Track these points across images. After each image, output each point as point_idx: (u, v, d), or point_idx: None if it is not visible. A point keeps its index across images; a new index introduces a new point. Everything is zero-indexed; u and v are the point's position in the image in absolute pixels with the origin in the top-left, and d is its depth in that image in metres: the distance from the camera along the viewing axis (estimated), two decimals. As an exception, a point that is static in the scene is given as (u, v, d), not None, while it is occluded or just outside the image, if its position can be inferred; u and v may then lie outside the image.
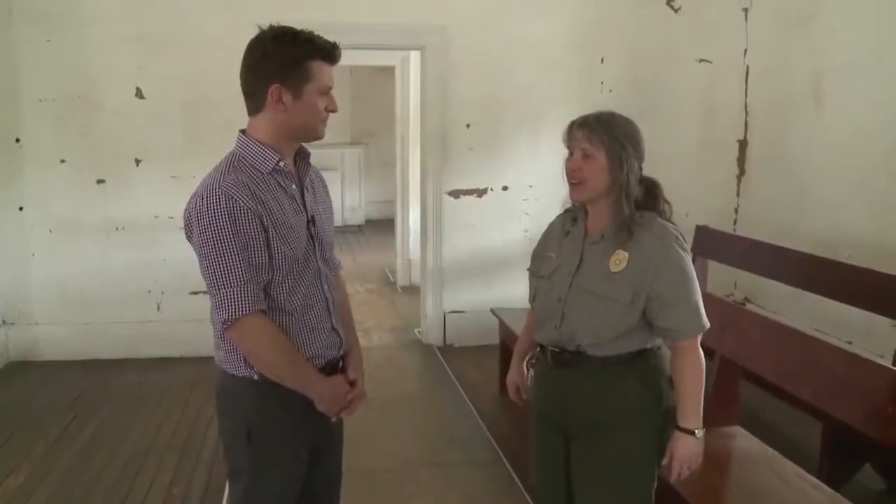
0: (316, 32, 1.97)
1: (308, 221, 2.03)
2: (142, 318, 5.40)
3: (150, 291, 5.39)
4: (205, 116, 5.23)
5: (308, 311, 2.02)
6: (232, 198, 1.85)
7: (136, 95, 5.21)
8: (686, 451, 2.07)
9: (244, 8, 5.09)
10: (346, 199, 11.86)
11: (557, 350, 2.17)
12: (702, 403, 2.08)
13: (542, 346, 2.28)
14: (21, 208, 5.24)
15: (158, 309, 5.41)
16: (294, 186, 2.01)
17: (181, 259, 5.23)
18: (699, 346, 2.09)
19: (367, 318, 6.57)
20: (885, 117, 4.29)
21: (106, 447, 3.97)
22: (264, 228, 1.89)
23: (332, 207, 2.23)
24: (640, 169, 2.12)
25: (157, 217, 5.30)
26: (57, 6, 5.10)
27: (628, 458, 2.13)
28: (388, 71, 8.50)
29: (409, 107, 7.47)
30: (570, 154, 2.14)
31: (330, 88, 1.98)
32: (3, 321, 5.31)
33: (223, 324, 1.88)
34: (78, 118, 5.20)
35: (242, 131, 2.02)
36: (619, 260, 2.05)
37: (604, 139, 2.06)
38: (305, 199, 2.05)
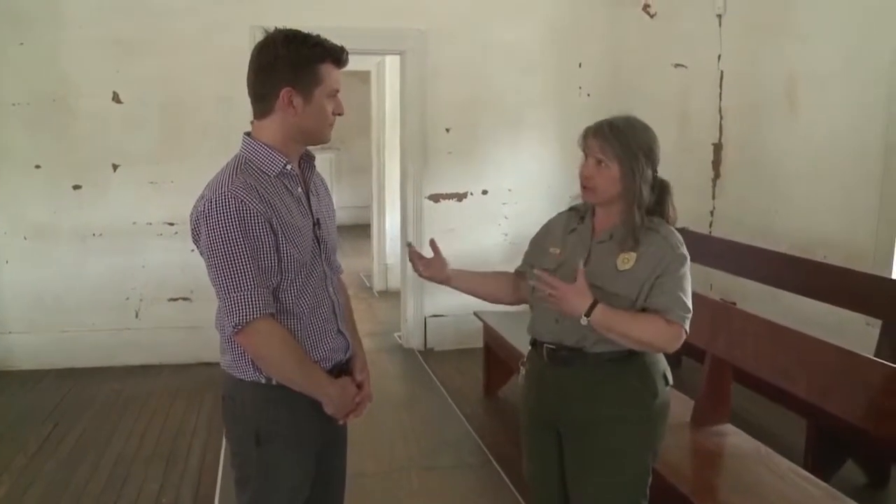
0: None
1: (314, 224, 2.03)
2: (120, 325, 5.32)
3: (128, 298, 5.31)
4: (182, 121, 5.18)
5: (315, 315, 2.02)
6: (241, 201, 1.84)
7: (113, 100, 5.14)
8: (573, 292, 2.04)
9: (220, 12, 5.07)
10: (318, 205, 11.74)
11: (554, 347, 2.20)
12: (614, 329, 2.05)
13: (534, 344, 2.30)
14: (-6, 214, 5.14)
15: (137, 316, 5.33)
16: (300, 189, 2.01)
17: (160, 265, 5.23)
18: (677, 335, 2.08)
19: (346, 323, 6.53)
20: (855, 121, 4.39)
21: (89, 457, 3.91)
22: (273, 231, 1.88)
23: (334, 211, 2.23)
24: (655, 172, 2.16)
25: (134, 223, 5.23)
26: (31, 8, 5.01)
27: (623, 453, 2.16)
28: (360, 76, 8.48)
29: (384, 111, 7.47)
30: (586, 158, 2.18)
31: (337, 91, 1.99)
32: (-24, 330, 5.19)
33: (233, 328, 1.87)
34: (53, 122, 5.12)
35: (248, 134, 2.01)
36: (627, 259, 2.10)
37: (617, 151, 2.11)
38: (311, 202, 2.04)
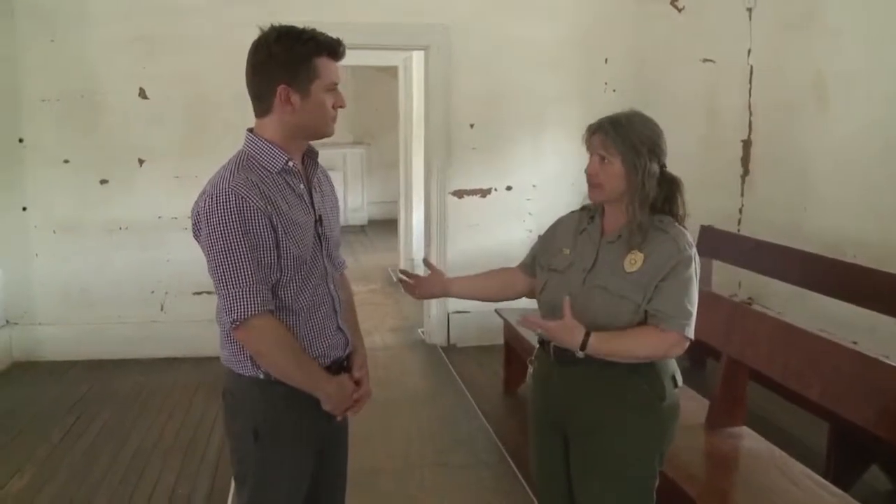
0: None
1: (316, 221, 2.02)
2: (146, 318, 5.40)
3: (153, 292, 5.39)
4: (206, 116, 5.24)
5: (315, 311, 2.02)
6: (242, 197, 1.84)
7: (140, 95, 5.21)
8: (563, 330, 2.02)
9: (245, 9, 5.09)
10: (349, 200, 11.85)
11: (562, 346, 2.16)
12: (613, 353, 2.04)
13: (542, 343, 2.28)
14: (24, 208, 5.24)
15: (162, 309, 5.41)
16: (302, 186, 2.01)
17: (185, 259, 5.27)
18: (675, 342, 2.05)
19: (370, 318, 6.56)
20: (886, 117, 4.29)
21: (109, 448, 3.97)
22: (273, 228, 1.88)
23: (338, 207, 2.22)
24: (662, 166, 2.12)
25: (160, 217, 5.30)
26: (60, 6, 5.10)
27: (629, 456, 2.13)
28: (390, 71, 8.50)
29: (412, 107, 7.46)
30: (590, 156, 2.15)
31: (336, 84, 1.98)
32: (7, 321, 5.30)
33: (232, 324, 1.88)
34: (81, 118, 5.20)
35: (250, 130, 2.01)
36: (635, 260, 2.06)
37: (619, 146, 2.08)
38: (313, 198, 2.04)
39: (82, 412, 4.44)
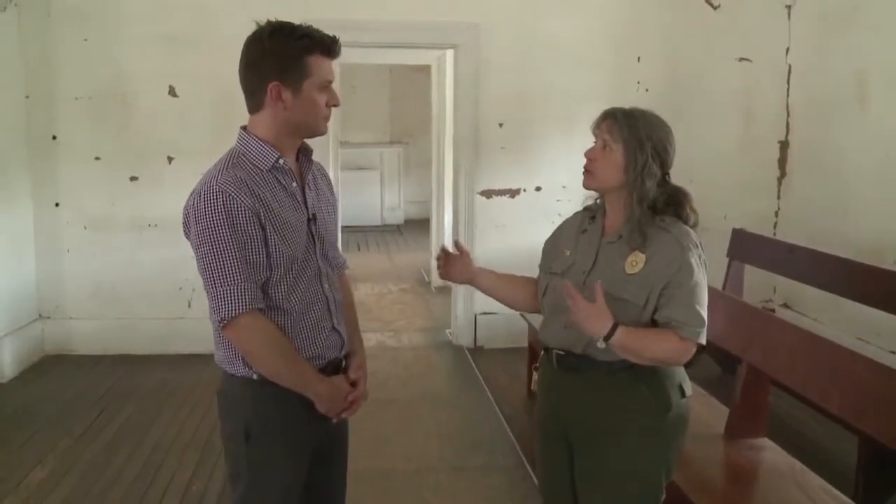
0: (316, 27, 1.95)
1: (309, 220, 1.99)
2: (173, 314, 5.44)
3: (181, 288, 5.42)
4: (234, 114, 5.14)
5: (307, 311, 1.99)
6: (229, 195, 1.82)
7: (170, 94, 5.26)
8: (591, 312, 1.92)
9: (276, 6, 5.08)
10: (386, 199, 11.86)
11: (563, 353, 2.12)
12: (632, 351, 1.94)
13: (546, 349, 2.23)
14: (57, 205, 5.32)
15: (189, 306, 5.44)
16: (294, 184, 1.98)
17: (211, 257, 5.29)
18: (688, 350, 1.96)
19: (399, 317, 6.55)
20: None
21: (129, 443, 4.00)
22: (262, 226, 1.86)
23: (335, 205, 2.19)
24: (664, 174, 2.04)
25: (188, 214, 5.32)
26: (94, 6, 5.17)
27: (632, 467, 2.05)
28: (426, 70, 8.46)
29: (444, 106, 7.40)
30: (595, 142, 2.09)
31: (330, 83, 1.95)
32: (40, 315, 5.39)
33: (220, 322, 1.87)
34: (113, 116, 5.27)
35: (244, 128, 1.99)
36: (636, 262, 1.99)
37: (623, 134, 2.02)
38: (307, 196, 2.01)
39: (106, 406, 4.49)
